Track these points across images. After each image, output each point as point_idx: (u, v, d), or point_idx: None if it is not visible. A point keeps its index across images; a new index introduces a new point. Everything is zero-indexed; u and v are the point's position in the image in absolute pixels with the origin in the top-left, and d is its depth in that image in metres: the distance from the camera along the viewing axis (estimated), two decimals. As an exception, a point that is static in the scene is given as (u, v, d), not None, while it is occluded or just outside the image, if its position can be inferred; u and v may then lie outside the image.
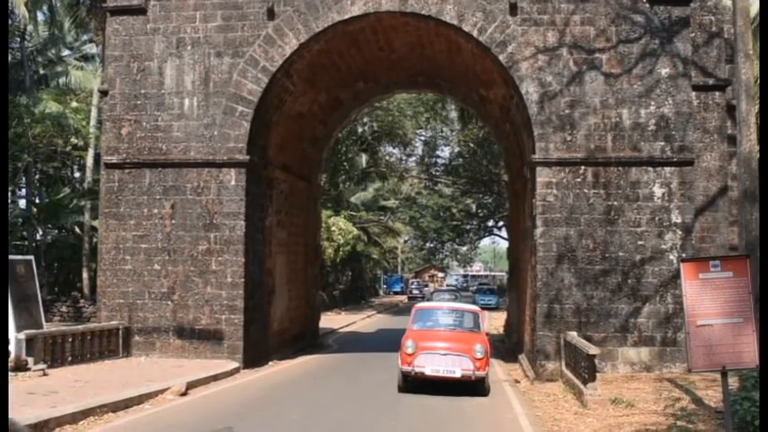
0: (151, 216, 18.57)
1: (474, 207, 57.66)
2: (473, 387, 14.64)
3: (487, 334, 15.94)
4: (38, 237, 34.25)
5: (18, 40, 33.54)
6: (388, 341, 23.06)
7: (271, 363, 19.36)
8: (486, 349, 14.68)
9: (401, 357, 14.67)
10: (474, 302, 32.85)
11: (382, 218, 56.21)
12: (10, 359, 15.07)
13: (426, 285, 75.02)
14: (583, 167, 17.31)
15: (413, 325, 15.67)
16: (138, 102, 18.79)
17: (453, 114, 46.55)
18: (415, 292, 67.64)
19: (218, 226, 18.35)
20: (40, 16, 36.73)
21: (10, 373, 14.30)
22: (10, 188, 32.73)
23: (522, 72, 17.63)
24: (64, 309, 27.54)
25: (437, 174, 53.96)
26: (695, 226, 17.53)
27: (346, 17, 18.24)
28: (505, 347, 24.21)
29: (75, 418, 11.16)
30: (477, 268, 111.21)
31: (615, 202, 17.18)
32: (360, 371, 18.63)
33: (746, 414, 9.34)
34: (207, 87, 18.61)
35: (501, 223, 53.52)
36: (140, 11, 18.87)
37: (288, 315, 22.51)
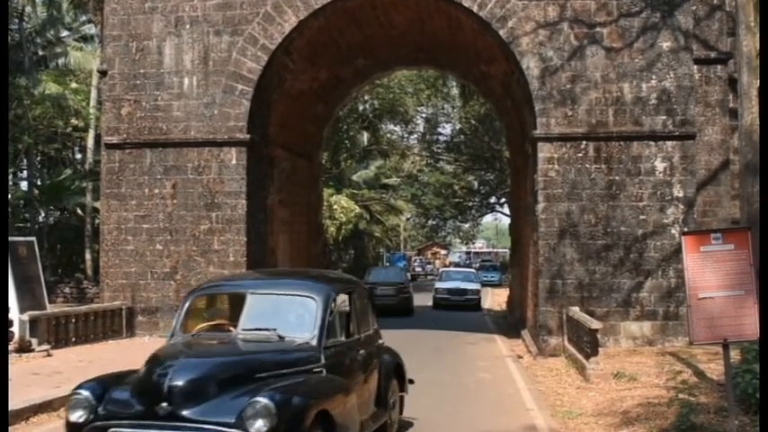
0: (152, 196, 18.56)
1: (476, 184, 57.62)
2: None
3: None
4: (40, 219, 34.30)
5: (17, 21, 33.33)
6: (393, 322, 23.06)
7: (274, 341, 19.40)
8: None
9: None
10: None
11: (384, 196, 56.03)
12: (14, 340, 15.15)
13: (430, 263, 74.90)
14: (584, 142, 17.23)
15: None
16: (138, 81, 18.71)
17: (454, 91, 46.38)
18: (418, 269, 67.64)
19: (219, 205, 18.33)
20: (38, -3, 36.53)
21: (14, 355, 14.39)
22: (11, 170, 32.71)
23: (523, 47, 17.50)
24: (67, 290, 27.60)
25: (439, 151, 53.84)
26: (697, 200, 17.46)
27: (345, -7, 18.12)
28: (508, 323, 24.28)
29: (79, 397, 11.20)
30: (479, 245, 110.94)
31: (617, 177, 17.12)
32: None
33: (748, 386, 9.38)
34: (206, 66, 18.51)
35: (503, 200, 53.49)
36: (138, -10, 18.76)
37: (291, 293, 22.50)
